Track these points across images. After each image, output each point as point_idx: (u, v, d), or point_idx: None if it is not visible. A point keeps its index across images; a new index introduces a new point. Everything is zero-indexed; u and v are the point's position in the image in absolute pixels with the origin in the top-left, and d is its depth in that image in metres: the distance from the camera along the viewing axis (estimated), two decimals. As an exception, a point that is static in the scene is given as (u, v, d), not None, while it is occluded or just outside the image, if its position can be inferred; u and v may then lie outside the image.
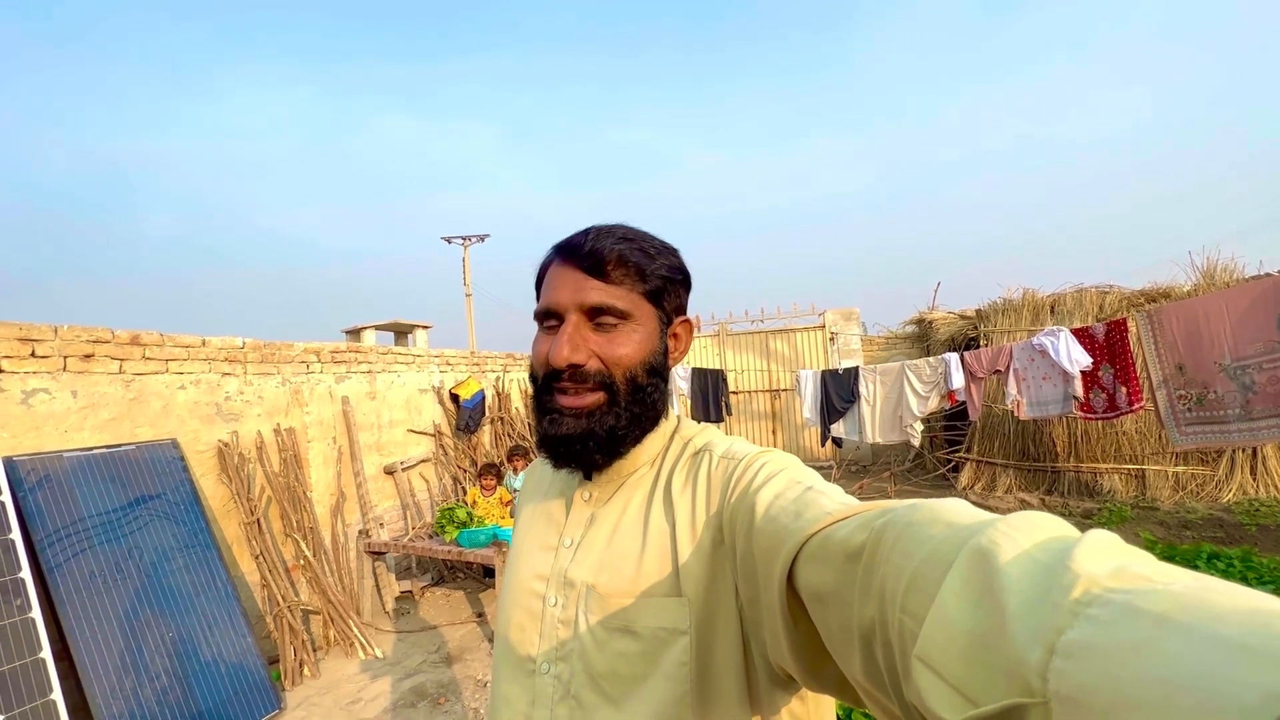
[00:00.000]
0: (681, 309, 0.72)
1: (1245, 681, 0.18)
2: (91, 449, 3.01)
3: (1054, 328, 5.09)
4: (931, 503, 0.37)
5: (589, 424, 0.64)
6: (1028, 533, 0.30)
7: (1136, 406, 4.70)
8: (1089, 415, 5.00)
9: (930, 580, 0.31)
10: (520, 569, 0.70)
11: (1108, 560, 0.26)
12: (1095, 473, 6.20)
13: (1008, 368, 5.35)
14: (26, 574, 2.50)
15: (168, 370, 3.47)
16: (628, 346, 0.65)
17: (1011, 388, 5.29)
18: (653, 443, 0.70)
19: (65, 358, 3.00)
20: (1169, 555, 3.90)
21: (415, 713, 3.10)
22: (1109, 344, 4.86)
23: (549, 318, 0.67)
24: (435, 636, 4.04)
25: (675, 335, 0.71)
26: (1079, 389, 4.90)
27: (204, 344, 3.69)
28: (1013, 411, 5.39)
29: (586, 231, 0.67)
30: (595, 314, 0.65)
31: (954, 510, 0.36)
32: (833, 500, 0.48)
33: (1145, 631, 0.22)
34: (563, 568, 0.66)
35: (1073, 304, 6.48)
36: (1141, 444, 6.04)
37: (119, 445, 3.13)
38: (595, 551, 0.65)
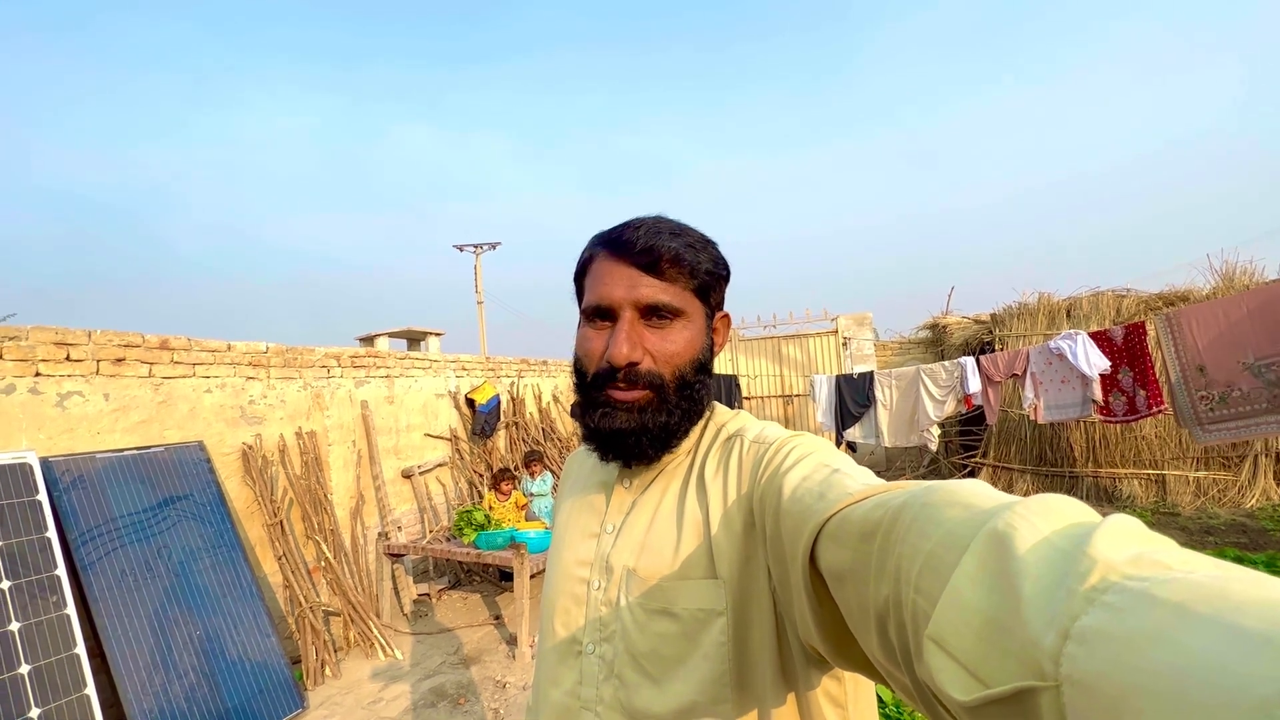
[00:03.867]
0: (722, 303, 0.73)
1: (1264, 675, 0.18)
2: (122, 450, 3.09)
3: (1071, 331, 5.07)
4: (949, 484, 0.37)
5: (643, 419, 0.65)
6: (1046, 517, 0.30)
7: (1156, 410, 4.66)
8: (1108, 418, 4.96)
9: (945, 562, 0.31)
10: (564, 556, 0.72)
11: (1127, 546, 0.26)
12: (1114, 478, 6.14)
13: (1025, 371, 5.32)
14: (62, 571, 2.57)
15: (194, 374, 3.55)
16: (679, 344, 0.66)
17: (1029, 391, 5.26)
18: (692, 432, 0.71)
19: (98, 361, 3.08)
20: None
21: (435, 713, 3.12)
22: (1128, 347, 4.83)
23: (599, 314, 0.67)
24: (453, 639, 4.07)
25: (715, 330, 0.72)
26: (1097, 392, 4.87)
27: (229, 348, 3.77)
28: (1030, 416, 5.36)
29: (635, 225, 0.67)
30: (649, 312, 0.65)
31: (971, 492, 0.35)
32: (856, 482, 0.48)
33: (1162, 620, 0.21)
34: (605, 553, 0.68)
35: (1089, 308, 6.44)
36: (1161, 449, 5.97)
37: (148, 447, 3.20)
38: (635, 536, 0.66)
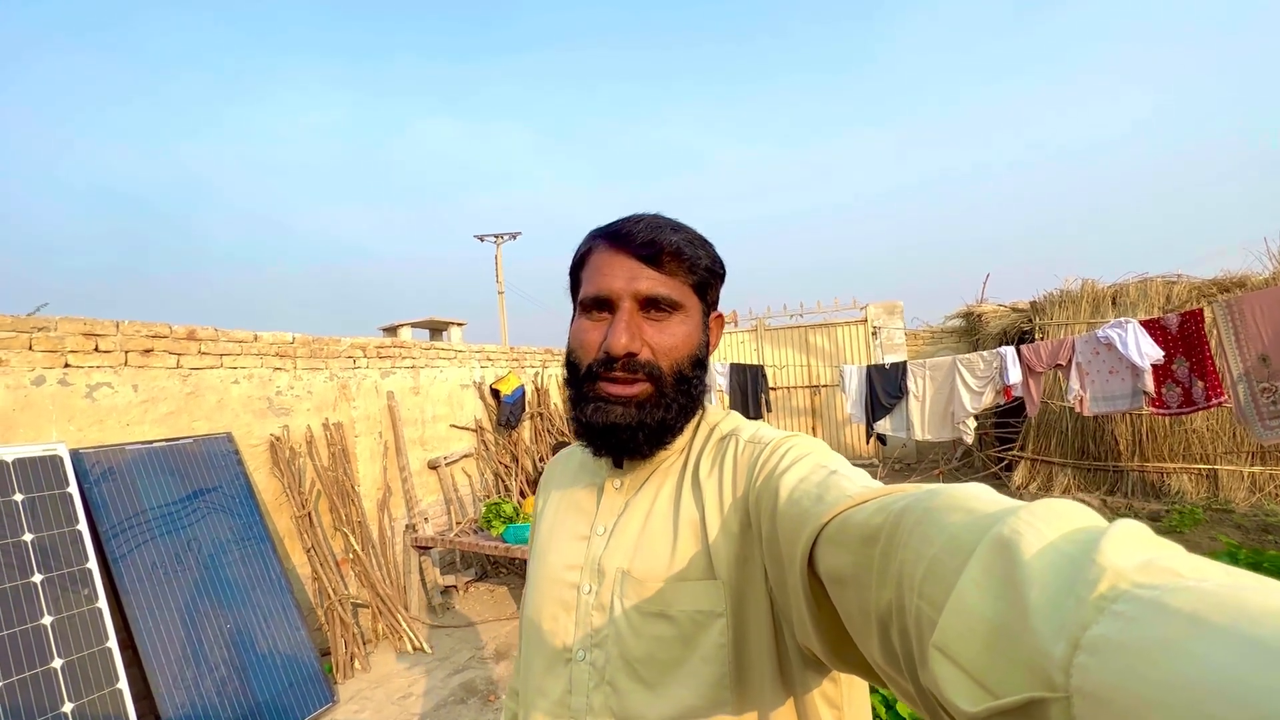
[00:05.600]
0: (717, 303, 0.73)
1: None
2: (151, 442, 3.06)
3: (1121, 319, 4.82)
4: (952, 488, 0.36)
5: (640, 414, 0.64)
6: (1052, 522, 0.29)
7: (1215, 401, 4.41)
8: (1162, 411, 4.72)
9: (949, 568, 0.31)
10: (550, 560, 0.70)
11: (1136, 553, 0.25)
12: (1162, 472, 5.87)
13: (1070, 362, 5.09)
14: (93, 564, 2.54)
15: (222, 365, 3.51)
16: (677, 338, 0.65)
17: (1074, 382, 5.03)
18: (685, 430, 0.70)
19: (126, 352, 3.05)
20: (1256, 561, 3.64)
21: (466, 709, 3.07)
22: (1183, 335, 4.57)
23: (598, 305, 0.66)
24: (481, 632, 4.02)
25: (710, 329, 0.72)
26: (1149, 383, 4.63)
27: (256, 339, 3.73)
28: (1075, 408, 5.13)
29: (635, 220, 0.67)
30: (648, 303, 0.65)
31: (975, 497, 0.34)
32: (855, 484, 0.47)
33: (1174, 631, 0.21)
34: (596, 555, 0.66)
35: (1136, 295, 6.15)
36: (1214, 442, 5.69)
37: (177, 438, 3.17)
38: (629, 538, 0.65)
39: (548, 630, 0.66)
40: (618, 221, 0.68)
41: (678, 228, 0.67)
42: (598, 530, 0.68)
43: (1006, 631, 0.27)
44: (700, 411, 0.72)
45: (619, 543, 0.65)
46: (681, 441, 0.70)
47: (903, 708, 2.07)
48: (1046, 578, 0.26)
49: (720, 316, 0.74)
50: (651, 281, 0.64)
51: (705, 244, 0.69)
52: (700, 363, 0.68)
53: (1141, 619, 0.22)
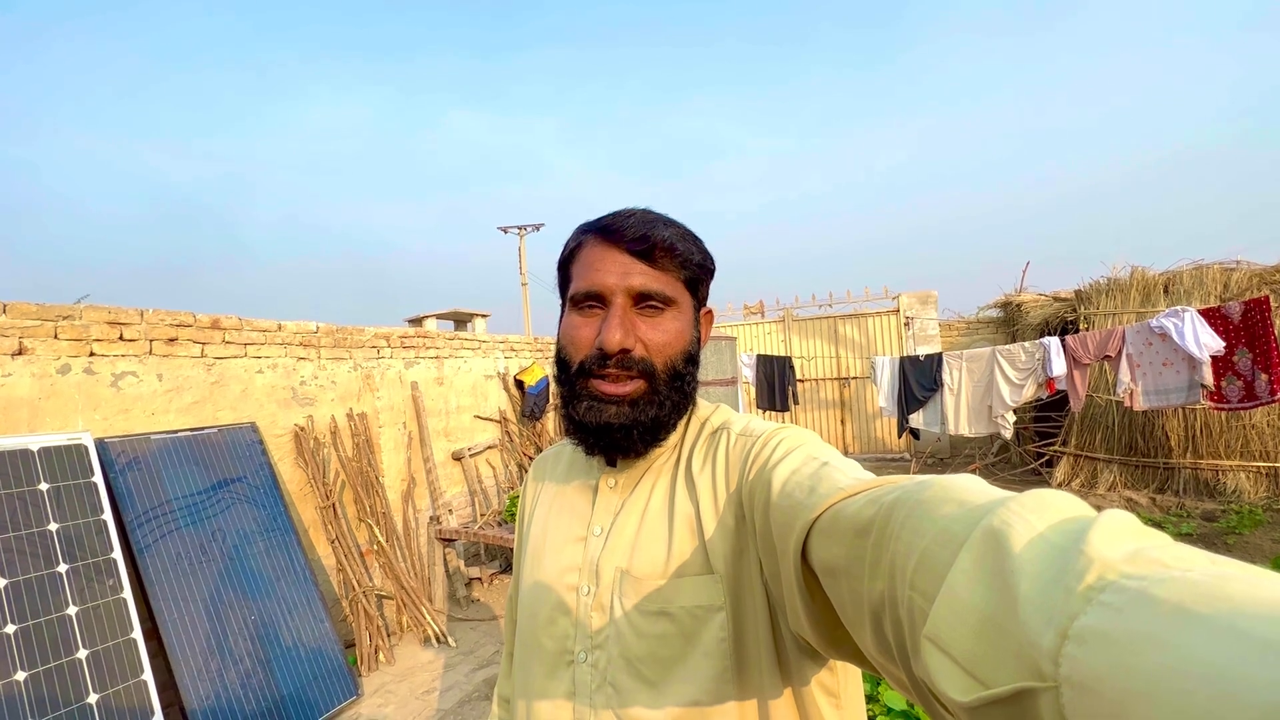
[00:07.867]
0: (706, 299, 0.73)
1: (1268, 680, 0.17)
2: (176, 431, 3.04)
3: (1177, 308, 4.55)
4: (943, 479, 0.36)
5: (634, 413, 0.63)
6: (1041, 513, 0.29)
7: (1281, 396, 4.14)
8: (1221, 405, 4.46)
9: (940, 560, 0.31)
10: (546, 564, 0.69)
11: (1123, 543, 0.25)
12: (1217, 470, 5.57)
13: (1119, 353, 4.83)
14: (118, 554, 2.52)
15: (246, 354, 3.49)
16: (670, 334, 0.65)
17: (1124, 375, 4.78)
18: (677, 427, 0.70)
19: (151, 341, 3.03)
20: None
21: (490, 706, 3.01)
22: (1246, 325, 4.30)
23: (590, 300, 0.65)
24: (504, 625, 3.97)
25: (699, 324, 0.72)
26: (1208, 376, 4.36)
27: (280, 328, 3.70)
28: (1125, 401, 4.87)
29: (626, 214, 0.66)
30: (641, 299, 0.64)
31: (966, 488, 0.34)
32: (847, 476, 0.47)
33: (1161, 622, 0.21)
34: (594, 556, 0.66)
35: (1191, 282, 5.82)
36: (1274, 439, 5.36)
37: (202, 428, 3.16)
38: (626, 537, 0.65)
39: (547, 634, 0.66)
40: (608, 216, 0.67)
41: (669, 223, 0.66)
42: (594, 531, 0.68)
43: (996, 622, 0.27)
44: (691, 407, 0.72)
45: (616, 542, 0.65)
46: (674, 438, 0.70)
47: (891, 696, 2.05)
48: (1036, 569, 0.26)
49: (710, 312, 0.74)
50: (644, 277, 0.64)
51: (696, 239, 0.68)
52: (692, 359, 0.68)
53: (1128, 610, 0.22)
